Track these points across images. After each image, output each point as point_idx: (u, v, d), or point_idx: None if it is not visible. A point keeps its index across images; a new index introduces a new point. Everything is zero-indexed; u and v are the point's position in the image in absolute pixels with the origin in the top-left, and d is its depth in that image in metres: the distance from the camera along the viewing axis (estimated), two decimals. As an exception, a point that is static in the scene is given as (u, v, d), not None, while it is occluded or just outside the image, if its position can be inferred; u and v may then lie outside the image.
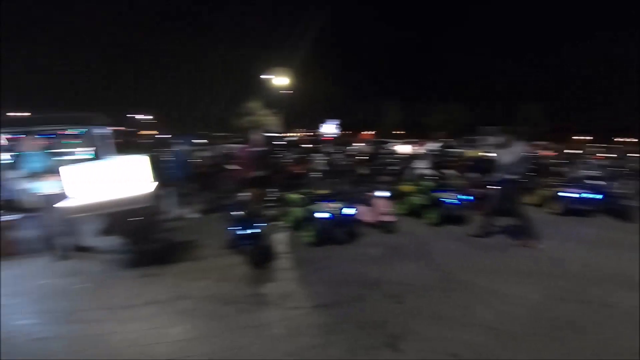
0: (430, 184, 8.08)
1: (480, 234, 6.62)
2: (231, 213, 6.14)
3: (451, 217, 7.43)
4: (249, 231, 5.43)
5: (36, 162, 5.60)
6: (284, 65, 37.70)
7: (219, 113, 46.68)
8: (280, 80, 36.32)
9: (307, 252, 5.95)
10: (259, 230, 5.47)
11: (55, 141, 7.84)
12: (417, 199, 7.88)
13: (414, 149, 12.45)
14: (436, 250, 6.08)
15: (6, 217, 6.07)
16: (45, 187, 5.53)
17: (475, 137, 14.84)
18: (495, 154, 6.43)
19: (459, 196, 7.52)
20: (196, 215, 8.20)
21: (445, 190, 7.72)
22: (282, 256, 5.80)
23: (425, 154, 10.03)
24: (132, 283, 4.90)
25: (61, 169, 5.48)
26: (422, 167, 8.98)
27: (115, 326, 3.80)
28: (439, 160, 9.19)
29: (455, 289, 4.65)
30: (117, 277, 5.11)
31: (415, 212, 7.90)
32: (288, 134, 31.97)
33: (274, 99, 40.22)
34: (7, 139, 8.10)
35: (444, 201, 7.44)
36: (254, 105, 43.63)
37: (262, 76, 37.43)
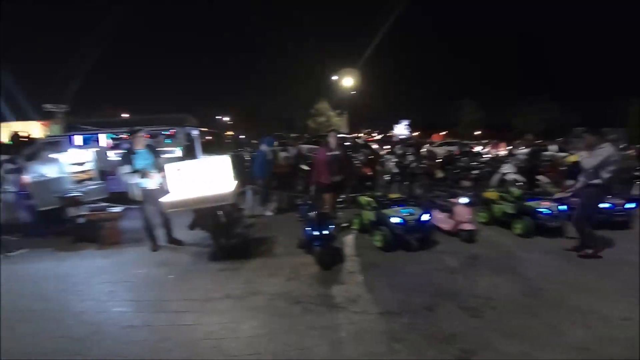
0: (519, 191, 7.41)
1: (576, 248, 5.91)
2: (304, 213, 6.27)
3: (543, 227, 6.74)
4: (320, 232, 5.48)
5: (143, 159, 6.25)
6: (353, 64, 37.34)
7: (289, 114, 48.03)
8: (347, 80, 36.05)
9: (377, 257, 5.83)
10: (329, 232, 5.50)
11: (158, 140, 8.70)
12: (504, 207, 7.28)
13: (498, 151, 11.52)
14: (522, 262, 5.56)
15: (113, 209, 6.92)
16: (149, 182, 6.15)
17: (570, 139, 13.33)
18: (580, 158, 5.73)
19: (551, 205, 6.78)
20: (272, 214, 8.53)
21: (536, 198, 7.02)
22: (352, 259, 5.76)
23: (512, 157, 9.25)
24: (212, 276, 5.23)
25: (166, 166, 6.13)
26: (509, 171, 8.29)
27: (195, 318, 4.07)
28: (529, 165, 8.39)
29: (542, 305, 4.20)
30: (200, 270, 5.49)
31: (500, 222, 7.31)
32: (356, 135, 31.65)
33: (341, 100, 40.16)
34: (113, 139, 9.25)
35: (536, 210, 6.76)
36: (322, 106, 43.97)
37: (331, 77, 37.58)
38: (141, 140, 6.32)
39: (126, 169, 6.12)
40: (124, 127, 8.79)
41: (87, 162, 7.73)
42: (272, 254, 6.09)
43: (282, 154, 8.28)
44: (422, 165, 8.00)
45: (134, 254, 6.31)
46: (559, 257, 5.73)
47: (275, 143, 8.83)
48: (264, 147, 8.05)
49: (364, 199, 7.01)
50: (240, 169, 7.70)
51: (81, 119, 9.01)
